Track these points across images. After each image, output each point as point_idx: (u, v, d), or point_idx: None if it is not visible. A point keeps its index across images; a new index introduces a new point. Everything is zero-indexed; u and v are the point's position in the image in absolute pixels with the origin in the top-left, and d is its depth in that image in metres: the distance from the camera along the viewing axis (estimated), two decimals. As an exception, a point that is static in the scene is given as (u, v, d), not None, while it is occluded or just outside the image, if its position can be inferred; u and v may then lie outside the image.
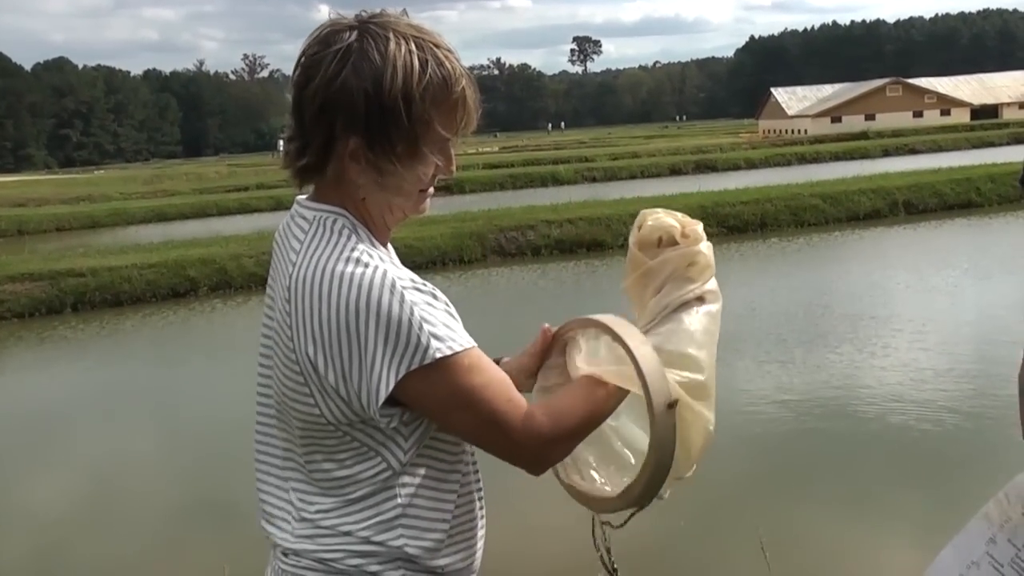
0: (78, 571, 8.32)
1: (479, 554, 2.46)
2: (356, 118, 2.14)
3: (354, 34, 2.16)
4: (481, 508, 2.46)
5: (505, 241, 24.04)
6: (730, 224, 26.73)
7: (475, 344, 2.19)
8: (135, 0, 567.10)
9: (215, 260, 22.61)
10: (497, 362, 2.51)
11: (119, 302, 21.38)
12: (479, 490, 2.45)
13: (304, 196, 2.33)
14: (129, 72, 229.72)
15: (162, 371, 15.97)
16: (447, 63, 2.20)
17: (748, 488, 9.01)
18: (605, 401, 2.33)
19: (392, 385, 2.09)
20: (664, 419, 2.31)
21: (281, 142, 2.51)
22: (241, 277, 22.06)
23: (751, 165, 57.12)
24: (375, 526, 2.25)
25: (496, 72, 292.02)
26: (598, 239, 24.28)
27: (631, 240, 2.65)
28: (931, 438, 9.81)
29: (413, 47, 2.16)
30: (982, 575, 1.36)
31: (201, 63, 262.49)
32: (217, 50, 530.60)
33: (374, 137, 2.16)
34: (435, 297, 2.17)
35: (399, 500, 2.26)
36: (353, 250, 2.16)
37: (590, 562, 3.14)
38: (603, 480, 2.60)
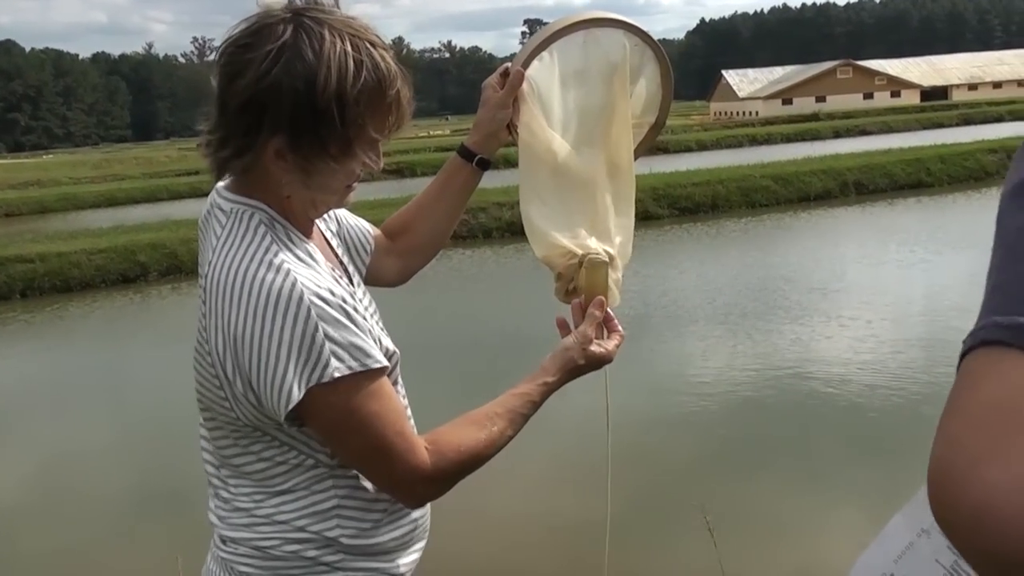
0: (27, 563, 8.21)
1: (420, 530, 2.45)
2: (285, 117, 2.08)
3: (288, 28, 2.09)
4: None
5: (457, 224, 23.84)
6: (682, 206, 26.79)
7: (379, 366, 2.14)
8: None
9: (165, 245, 22.42)
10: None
11: (68, 288, 21.17)
12: None
13: (223, 184, 2.28)
14: (78, 55, 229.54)
15: (112, 357, 15.83)
16: (382, 64, 2.14)
17: (695, 465, 9.08)
18: (487, 446, 2.31)
19: (296, 399, 2.05)
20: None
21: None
22: (192, 262, 21.79)
23: (703, 147, 57.32)
24: (310, 516, 2.24)
25: (448, 55, 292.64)
26: (550, 221, 23.83)
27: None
28: (879, 414, 9.88)
29: (349, 47, 2.10)
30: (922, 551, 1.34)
31: (150, 46, 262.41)
32: (166, 33, 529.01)
33: (303, 138, 2.10)
34: (345, 312, 2.11)
35: (336, 492, 2.25)
36: (267, 252, 2.11)
37: (550, 546, 3.13)
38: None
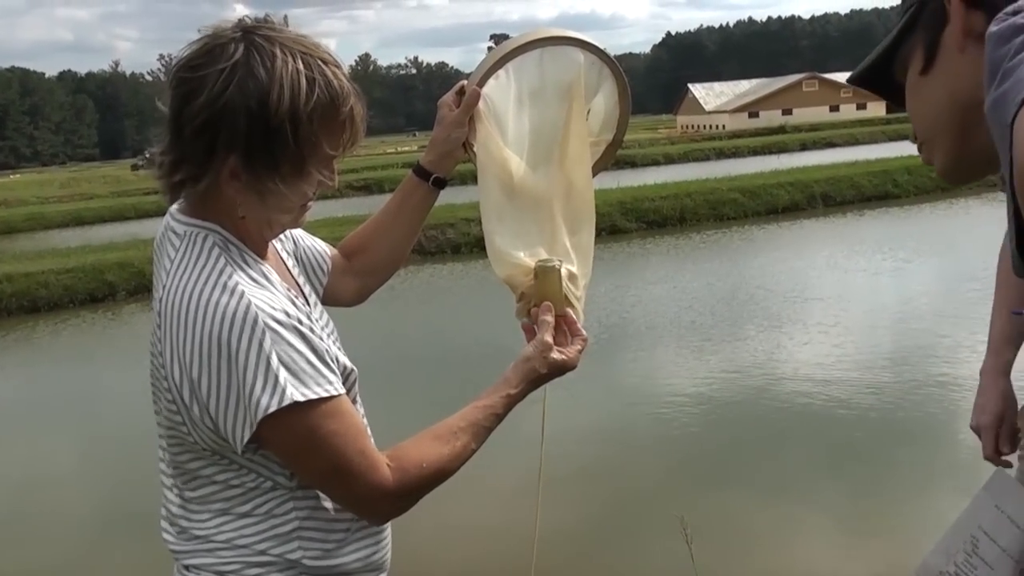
0: (-6, 584, 8.17)
1: (384, 551, 2.43)
2: (239, 137, 2.06)
3: (240, 48, 2.07)
4: None
5: (425, 239, 23.87)
6: (649, 219, 26.82)
7: (338, 391, 2.13)
8: (48, 0, 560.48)
9: (133, 264, 22.31)
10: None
11: (36, 308, 21.07)
12: None
13: (177, 206, 2.26)
14: (44, 73, 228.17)
15: (81, 377, 15.76)
16: (335, 81, 2.13)
17: (670, 476, 9.09)
18: (451, 460, 2.30)
19: (254, 426, 2.04)
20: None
21: (148, 153, 2.43)
22: (160, 281, 21.78)
23: (670, 160, 57.50)
24: (271, 539, 2.22)
25: (414, 71, 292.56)
26: (519, 236, 23.84)
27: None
28: (848, 422, 9.91)
29: (301, 65, 2.09)
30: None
31: (117, 64, 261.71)
32: (132, 50, 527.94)
33: (257, 157, 2.08)
34: (301, 334, 2.10)
35: (296, 514, 2.23)
36: (221, 274, 2.09)
37: (512, 559, 3.13)
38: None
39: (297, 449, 2.12)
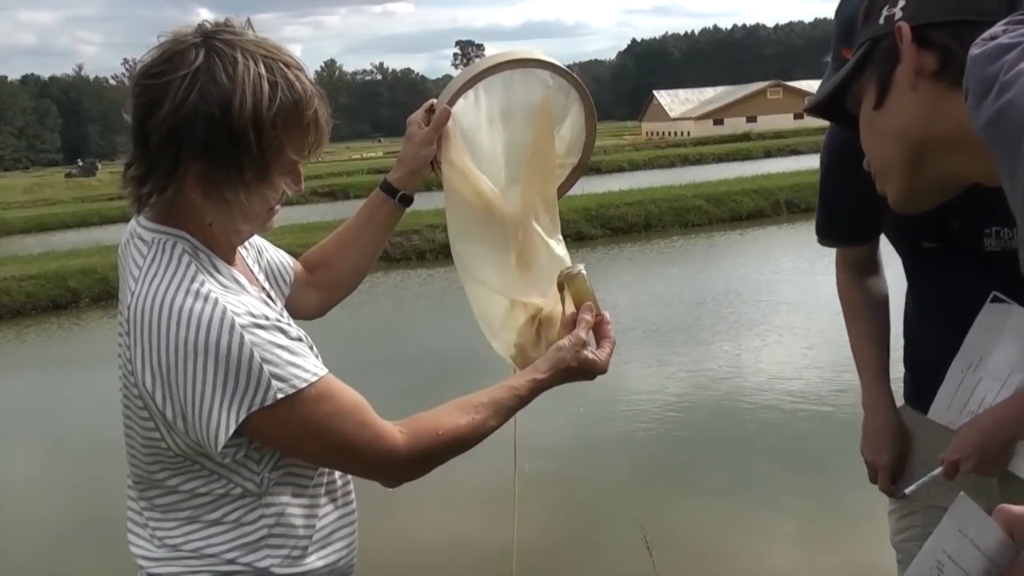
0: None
1: (350, 556, 2.45)
2: (203, 144, 2.05)
3: (200, 54, 2.06)
4: (352, 511, 2.47)
5: (390, 246, 23.78)
6: (614, 226, 26.89)
7: (323, 371, 2.15)
8: (10, 2, 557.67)
9: (96, 270, 22.12)
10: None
11: (-2, 315, 20.89)
12: (347, 493, 2.46)
13: (142, 213, 2.24)
14: (7, 77, 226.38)
15: (43, 385, 15.63)
16: (298, 85, 2.13)
17: (633, 483, 9.10)
18: (468, 431, 2.32)
19: (232, 428, 2.05)
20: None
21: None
22: (124, 287, 21.64)
23: (635, 167, 57.58)
24: (240, 548, 2.23)
25: (380, 77, 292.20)
26: (484, 242, 23.83)
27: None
28: (812, 427, 9.97)
29: (263, 69, 2.08)
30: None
31: (80, 68, 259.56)
32: (96, 54, 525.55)
33: (221, 163, 2.07)
34: (281, 330, 2.12)
35: (264, 522, 2.24)
36: (192, 281, 2.09)
37: (474, 558, 3.14)
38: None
39: (293, 439, 2.14)
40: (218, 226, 2.20)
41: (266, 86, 2.07)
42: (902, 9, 1.72)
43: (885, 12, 1.76)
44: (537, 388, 2.43)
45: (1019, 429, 2.68)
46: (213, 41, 2.09)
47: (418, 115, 2.70)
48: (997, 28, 1.33)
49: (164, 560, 2.26)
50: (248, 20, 2.21)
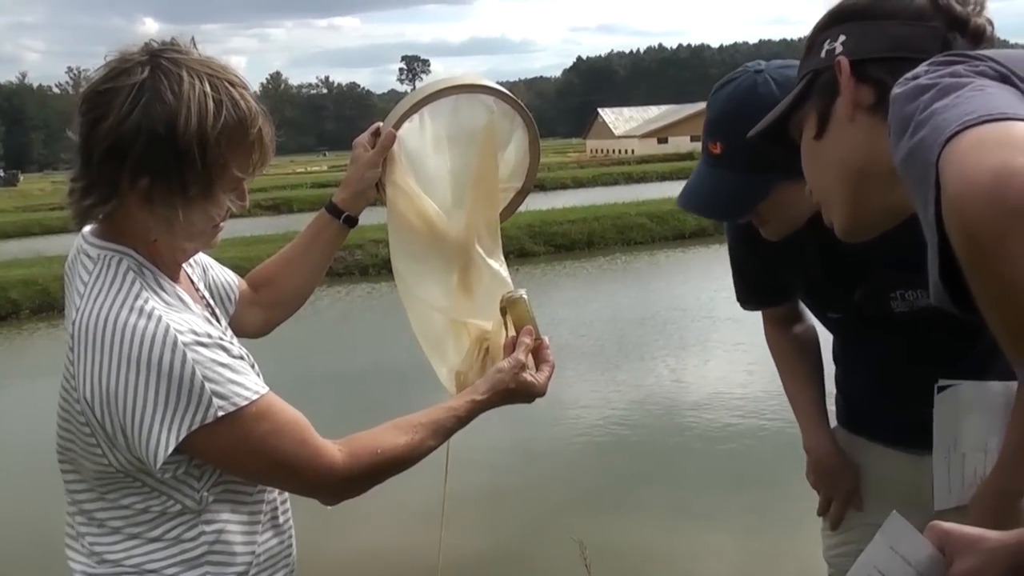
0: None
1: (288, 570, 2.47)
2: (147, 160, 2.07)
3: (146, 71, 2.09)
4: (290, 529, 2.49)
5: (333, 261, 23.65)
6: (557, 243, 26.94)
7: (263, 389, 2.16)
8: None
9: (38, 281, 21.90)
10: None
11: (-66, 325, 20.64)
12: (286, 511, 2.48)
13: (90, 228, 2.26)
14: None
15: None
16: (242, 103, 2.15)
17: (570, 500, 9.11)
18: (406, 451, 2.34)
19: (172, 446, 2.05)
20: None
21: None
22: (64, 298, 21.40)
23: (579, 184, 57.67)
24: (180, 564, 2.23)
25: (325, 91, 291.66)
26: (428, 258, 23.77)
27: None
28: (749, 445, 10.03)
29: (208, 88, 2.10)
30: None
31: (24, 75, 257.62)
32: (40, 62, 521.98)
33: (165, 180, 2.09)
34: (223, 348, 2.13)
35: (204, 538, 2.24)
36: (137, 298, 2.10)
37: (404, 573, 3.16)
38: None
39: (235, 456, 2.15)
40: (163, 242, 2.21)
41: (211, 104, 2.09)
42: (842, 44, 1.80)
43: (827, 46, 1.84)
44: (476, 409, 2.47)
45: (1019, 487, 2.72)
46: (159, 59, 2.12)
47: (364, 138, 2.73)
48: (920, 68, 1.39)
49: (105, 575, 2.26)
50: (193, 39, 2.23)
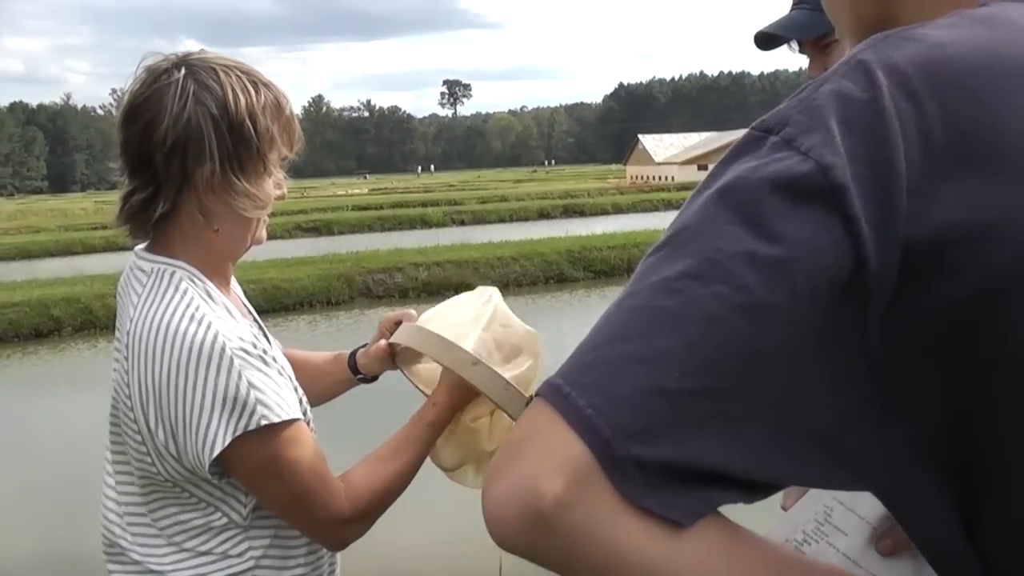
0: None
1: None
2: (208, 146, 2.14)
3: (182, 70, 2.17)
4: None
5: (373, 283, 23.88)
6: (597, 268, 26.84)
7: (298, 415, 2.19)
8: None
9: (80, 299, 22.06)
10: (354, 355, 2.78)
11: (-21, 342, 20.77)
12: None
13: (142, 246, 2.31)
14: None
15: (23, 413, 15.52)
16: (272, 85, 2.27)
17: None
18: (396, 479, 2.37)
19: (222, 446, 2.07)
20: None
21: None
22: (107, 317, 21.43)
23: (619, 210, 57.49)
24: None
25: (366, 114, 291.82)
26: (465, 282, 23.84)
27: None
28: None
29: (240, 75, 2.21)
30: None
31: (68, 96, 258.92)
32: (84, 83, 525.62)
33: (225, 160, 2.17)
34: (264, 362, 2.16)
35: (252, 553, 2.26)
36: (188, 306, 2.14)
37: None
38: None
39: (260, 474, 2.17)
40: (223, 232, 2.27)
41: (249, 84, 2.21)
42: None
43: None
44: (440, 411, 2.48)
45: None
46: (188, 61, 2.21)
47: (388, 321, 2.82)
48: (866, 53, 1.28)
49: None
50: (202, 50, 2.33)
